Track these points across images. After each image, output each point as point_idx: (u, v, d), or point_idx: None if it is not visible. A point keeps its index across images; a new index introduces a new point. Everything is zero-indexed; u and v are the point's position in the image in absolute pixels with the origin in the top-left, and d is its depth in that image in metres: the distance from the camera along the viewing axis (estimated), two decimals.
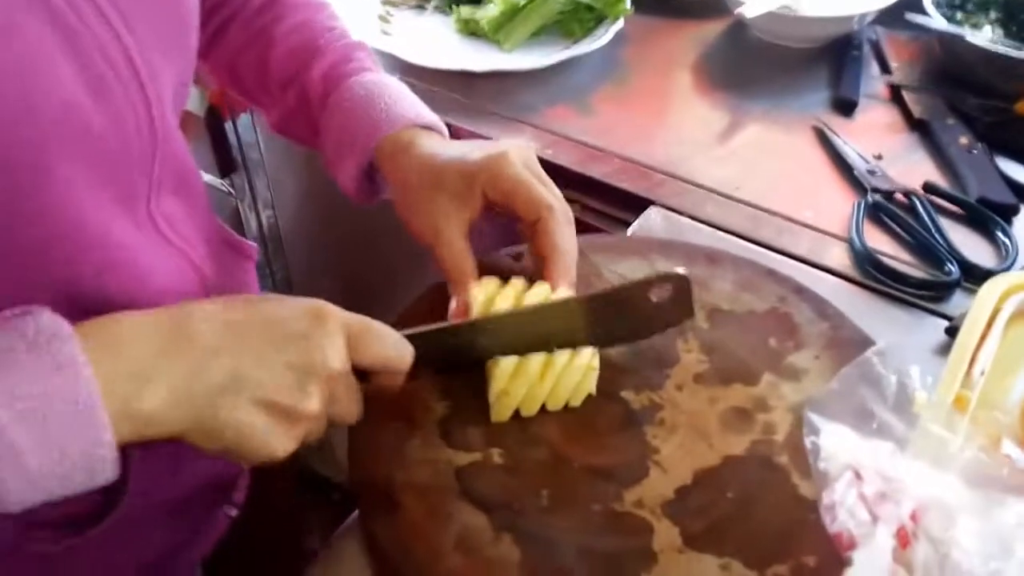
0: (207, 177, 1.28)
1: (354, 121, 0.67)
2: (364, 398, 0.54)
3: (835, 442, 0.42)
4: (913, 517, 0.38)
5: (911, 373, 0.43)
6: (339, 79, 0.69)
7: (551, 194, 0.63)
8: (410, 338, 0.55)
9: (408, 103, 0.68)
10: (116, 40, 0.48)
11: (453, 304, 0.62)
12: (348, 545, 0.60)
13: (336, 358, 0.50)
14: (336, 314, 0.51)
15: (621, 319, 0.62)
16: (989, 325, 0.53)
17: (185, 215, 0.61)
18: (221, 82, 0.78)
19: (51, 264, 0.50)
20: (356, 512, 0.61)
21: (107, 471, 0.44)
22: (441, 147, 0.65)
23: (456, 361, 0.60)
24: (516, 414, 0.60)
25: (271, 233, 1.34)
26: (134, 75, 0.50)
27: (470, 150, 0.64)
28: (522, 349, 0.59)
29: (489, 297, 0.61)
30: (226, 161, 1.25)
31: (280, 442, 0.49)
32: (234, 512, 0.76)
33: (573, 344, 0.60)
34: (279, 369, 0.48)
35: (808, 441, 0.44)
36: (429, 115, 0.68)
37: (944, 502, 0.38)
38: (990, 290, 0.55)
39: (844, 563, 0.42)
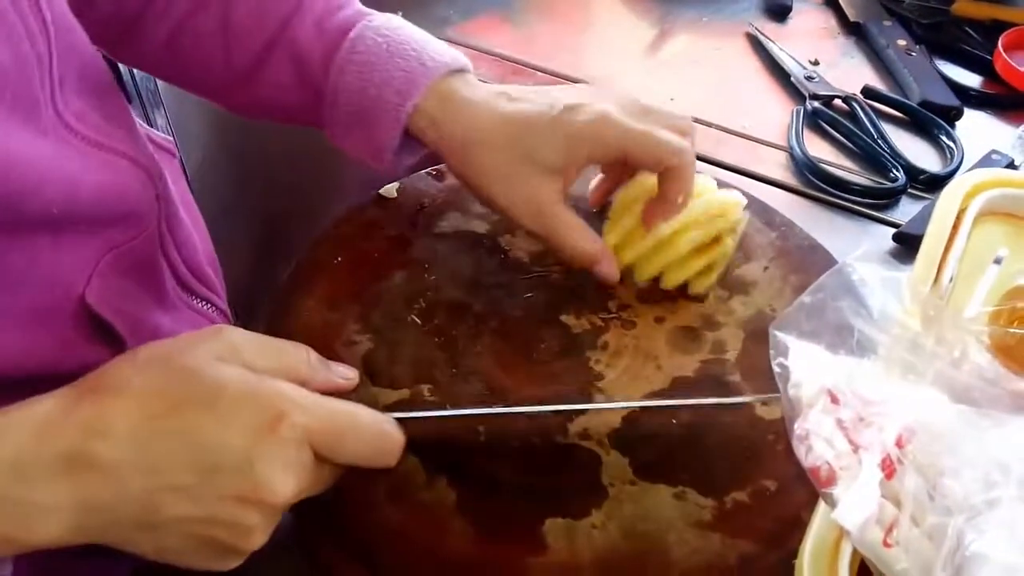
0: None
1: (378, 77, 0.55)
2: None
3: (807, 364, 0.37)
4: (898, 443, 0.34)
5: (900, 279, 0.38)
6: (340, 30, 0.56)
7: (673, 137, 0.54)
8: (407, 422, 0.46)
9: (434, 46, 0.57)
10: None
11: (604, 271, 0.57)
12: None
13: (288, 486, 0.39)
14: (295, 418, 0.40)
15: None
16: (954, 228, 0.49)
17: (105, 113, 0.51)
18: (157, 70, 0.63)
19: None
20: None
21: None
22: (501, 100, 0.56)
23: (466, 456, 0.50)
24: (449, 348, 0.54)
25: None
26: None
27: (555, 110, 0.54)
28: None
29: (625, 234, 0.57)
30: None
31: (225, 564, 0.41)
32: None
33: None
34: (209, 503, 0.38)
35: (776, 364, 0.38)
36: (460, 56, 0.58)
37: (931, 424, 0.34)
38: (953, 191, 0.50)
39: (818, 497, 0.37)
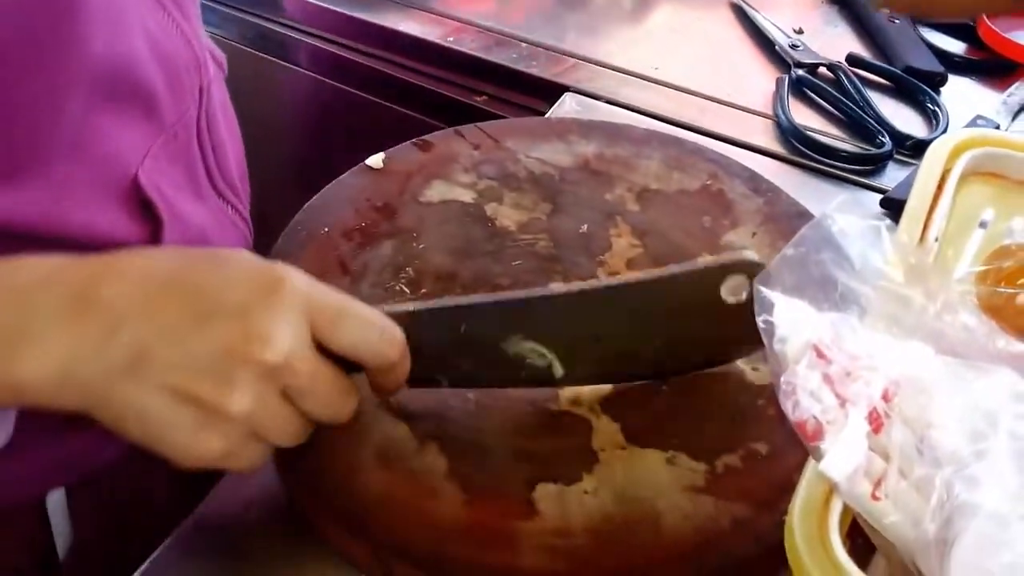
0: None
1: None
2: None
3: (792, 318, 0.37)
4: (885, 396, 0.34)
5: (884, 229, 0.38)
6: None
7: None
8: (411, 317, 0.44)
9: None
10: None
11: None
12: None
13: (281, 342, 0.38)
14: (296, 286, 0.39)
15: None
16: (939, 188, 0.49)
17: None
18: None
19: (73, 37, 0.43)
20: None
21: None
22: None
23: (480, 359, 0.48)
24: None
25: None
26: None
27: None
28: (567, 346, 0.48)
29: None
30: None
31: (204, 442, 0.38)
32: None
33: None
34: (197, 350, 0.37)
35: (760, 320, 0.38)
36: None
37: (917, 377, 0.34)
38: (937, 151, 0.50)
39: (808, 453, 0.37)
